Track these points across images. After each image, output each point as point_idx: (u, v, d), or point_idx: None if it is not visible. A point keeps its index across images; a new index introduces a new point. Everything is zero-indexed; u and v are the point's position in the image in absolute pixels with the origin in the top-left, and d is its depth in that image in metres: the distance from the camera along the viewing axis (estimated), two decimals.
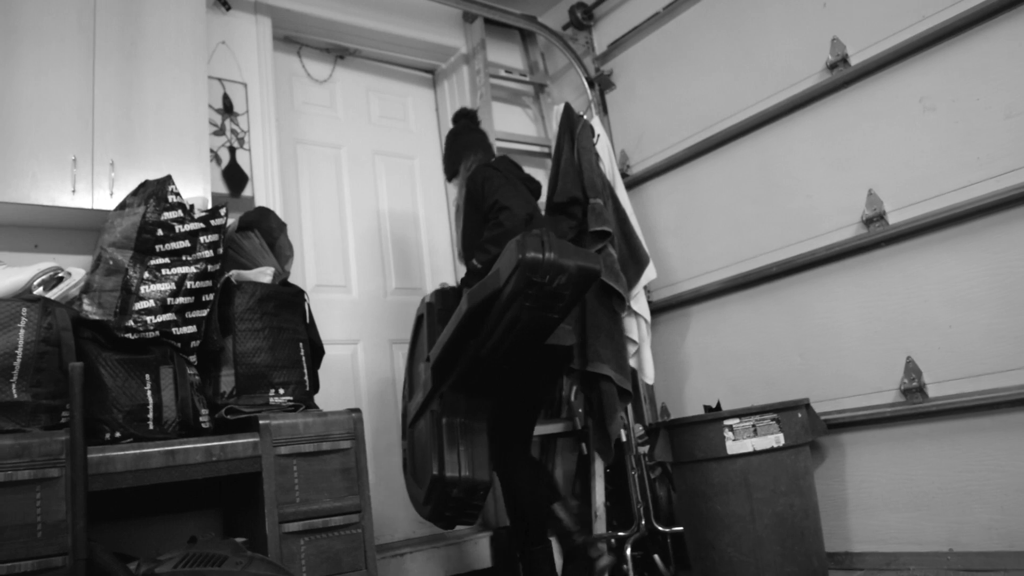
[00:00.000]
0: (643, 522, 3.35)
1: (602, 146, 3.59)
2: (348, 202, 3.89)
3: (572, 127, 3.58)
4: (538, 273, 2.09)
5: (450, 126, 3.28)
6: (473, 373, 2.46)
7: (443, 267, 4.09)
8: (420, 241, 4.11)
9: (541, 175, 4.26)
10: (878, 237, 2.91)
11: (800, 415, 2.82)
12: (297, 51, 3.90)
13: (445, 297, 2.98)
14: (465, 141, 3.24)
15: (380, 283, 3.90)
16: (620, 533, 3.35)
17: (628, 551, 3.25)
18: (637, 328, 3.38)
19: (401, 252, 4.01)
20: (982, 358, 2.63)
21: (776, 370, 3.27)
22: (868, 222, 2.95)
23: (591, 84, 4.12)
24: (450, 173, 3.30)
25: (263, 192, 3.29)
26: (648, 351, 3.39)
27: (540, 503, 2.84)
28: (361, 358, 3.72)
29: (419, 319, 3.02)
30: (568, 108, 3.65)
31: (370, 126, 4.09)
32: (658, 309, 3.71)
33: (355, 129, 4.02)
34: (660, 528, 3.34)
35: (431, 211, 4.18)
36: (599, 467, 3.45)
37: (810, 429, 2.85)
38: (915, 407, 2.77)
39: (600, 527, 3.34)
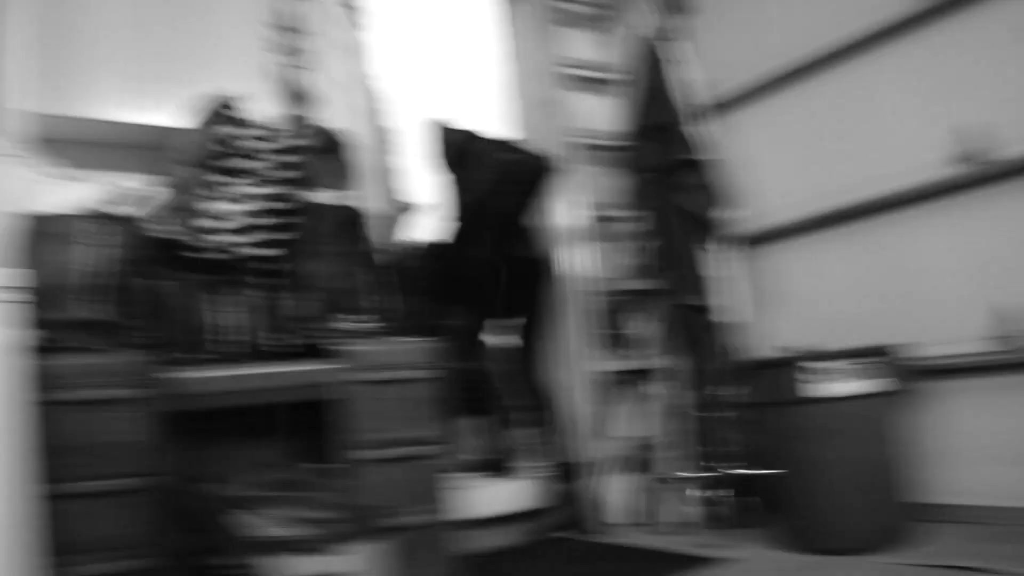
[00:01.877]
0: (720, 463, 3.28)
1: (683, 74, 3.47)
2: None
3: (654, 53, 3.47)
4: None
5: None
6: None
7: None
8: None
9: (606, 104, 4.10)
10: (978, 175, 2.74)
11: (890, 360, 2.70)
12: None
13: None
14: None
15: None
16: (698, 474, 3.29)
17: (707, 492, 3.24)
18: (718, 265, 3.30)
19: None
20: None
21: (866, 312, 3.13)
22: (966, 159, 2.75)
23: (672, 8, 3.90)
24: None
25: (335, 116, 3.18)
26: (731, 288, 3.31)
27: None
28: None
29: None
30: (648, 35, 3.53)
31: None
32: (742, 243, 3.55)
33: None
34: (739, 470, 3.25)
35: None
36: (658, 406, 3.41)
37: (899, 375, 2.72)
38: (1010, 356, 2.64)
39: (671, 467, 3.31)
